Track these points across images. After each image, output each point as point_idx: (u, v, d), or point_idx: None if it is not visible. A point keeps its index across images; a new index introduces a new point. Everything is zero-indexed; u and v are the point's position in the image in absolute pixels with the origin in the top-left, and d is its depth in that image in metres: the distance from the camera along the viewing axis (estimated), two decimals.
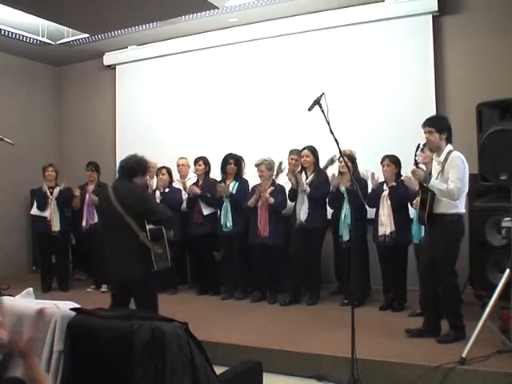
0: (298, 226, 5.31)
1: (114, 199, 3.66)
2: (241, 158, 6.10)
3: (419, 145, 3.91)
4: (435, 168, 3.90)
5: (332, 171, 5.39)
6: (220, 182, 5.86)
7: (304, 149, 5.42)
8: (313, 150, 5.40)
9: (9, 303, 2.31)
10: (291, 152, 5.63)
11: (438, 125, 3.88)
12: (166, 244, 3.81)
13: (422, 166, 3.92)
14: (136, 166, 3.82)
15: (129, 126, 7.76)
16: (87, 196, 6.38)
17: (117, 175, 4.11)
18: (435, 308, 4.00)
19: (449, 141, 3.92)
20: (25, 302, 2.36)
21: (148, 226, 3.69)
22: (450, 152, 3.85)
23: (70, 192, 6.41)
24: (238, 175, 5.83)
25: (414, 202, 4.18)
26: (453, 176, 3.73)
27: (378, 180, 5.13)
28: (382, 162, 5.06)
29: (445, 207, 3.83)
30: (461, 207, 3.88)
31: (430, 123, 3.90)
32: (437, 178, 3.81)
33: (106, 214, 3.92)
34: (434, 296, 3.96)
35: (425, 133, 3.91)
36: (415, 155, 3.90)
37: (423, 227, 4.39)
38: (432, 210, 3.85)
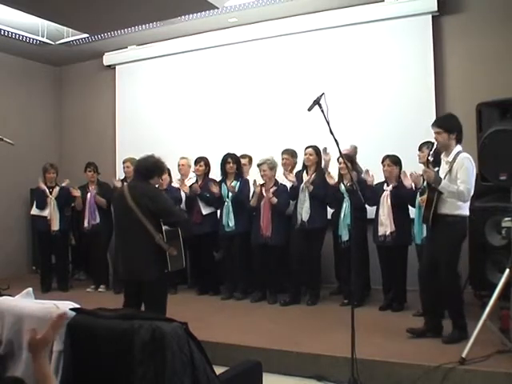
0: (299, 225, 5.31)
1: (129, 199, 3.65)
2: (249, 157, 6.19)
3: (433, 144, 3.87)
4: (443, 168, 3.88)
5: (331, 169, 5.39)
6: (220, 181, 5.86)
7: (308, 147, 5.44)
8: (316, 150, 5.42)
9: (9, 303, 2.31)
10: (283, 152, 5.75)
11: (446, 125, 3.85)
12: (181, 245, 3.80)
13: (440, 173, 3.86)
14: (153, 168, 3.81)
15: (129, 126, 7.75)
16: (89, 196, 6.37)
17: (125, 176, 4.09)
18: (436, 308, 4.00)
19: (459, 141, 3.89)
20: (24, 302, 2.36)
21: (164, 227, 3.69)
22: (458, 153, 3.83)
23: (68, 192, 6.40)
24: (239, 175, 5.83)
25: (420, 199, 4.17)
26: (462, 177, 3.73)
27: (372, 176, 5.11)
28: (382, 162, 5.06)
29: (449, 208, 3.82)
30: (465, 209, 3.87)
31: (438, 123, 3.88)
32: (444, 178, 3.79)
33: (120, 214, 3.90)
34: (434, 296, 3.96)
35: (434, 133, 3.89)
36: (428, 155, 3.88)
37: (425, 227, 4.39)
38: (436, 210, 3.84)
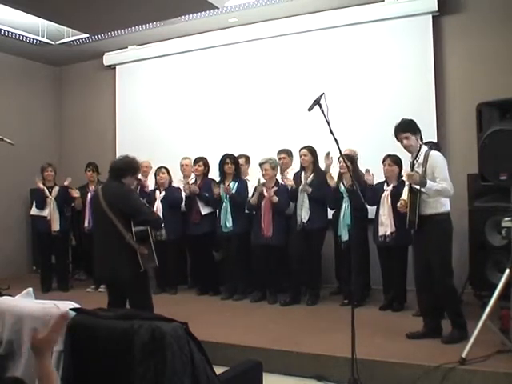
0: (299, 226, 5.31)
1: (101, 199, 3.71)
2: (247, 157, 6.15)
3: (415, 160, 3.89)
4: (414, 170, 3.89)
5: (331, 171, 5.37)
6: (218, 182, 5.86)
7: (303, 148, 5.45)
8: (311, 150, 5.42)
9: (9, 303, 2.31)
10: (279, 152, 5.78)
11: (411, 128, 3.89)
12: (151, 245, 3.83)
13: (416, 168, 3.90)
14: (124, 167, 3.83)
15: (129, 126, 7.76)
16: (89, 196, 6.37)
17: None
18: (434, 309, 4.00)
19: (422, 140, 3.97)
20: (25, 302, 2.36)
21: (134, 228, 3.71)
22: (427, 152, 3.89)
23: (67, 191, 6.41)
24: (237, 175, 5.83)
25: (399, 204, 4.17)
26: (441, 175, 3.80)
27: (372, 176, 5.10)
28: (383, 162, 5.06)
29: (435, 207, 3.85)
30: (447, 205, 3.92)
31: (403, 129, 3.90)
32: None
33: (95, 214, 4.00)
34: (432, 298, 3.96)
35: (401, 140, 3.91)
36: (413, 161, 3.90)
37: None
38: (421, 213, 3.85)
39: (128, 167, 3.85)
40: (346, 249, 5.05)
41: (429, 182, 3.77)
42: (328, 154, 5.19)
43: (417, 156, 3.90)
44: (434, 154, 3.90)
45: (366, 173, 5.11)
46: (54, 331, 1.64)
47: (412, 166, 3.90)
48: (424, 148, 3.94)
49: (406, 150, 3.98)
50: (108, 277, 3.80)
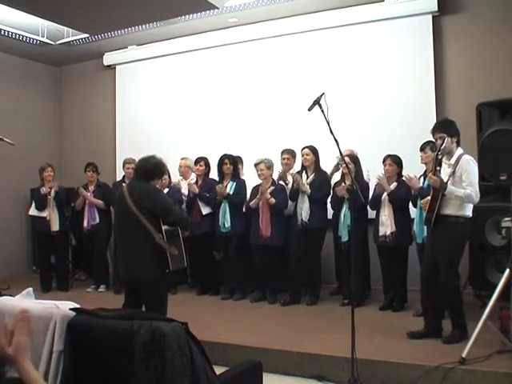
0: (299, 226, 5.31)
1: (128, 200, 3.63)
2: (239, 158, 6.13)
3: (440, 149, 3.81)
4: (445, 171, 3.87)
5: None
6: (217, 182, 5.85)
7: (305, 148, 5.44)
8: (313, 149, 5.41)
9: (8, 303, 2.31)
10: (283, 152, 5.70)
11: (448, 130, 3.84)
12: (182, 245, 3.79)
13: (442, 176, 3.83)
14: (153, 169, 3.79)
15: (129, 126, 7.76)
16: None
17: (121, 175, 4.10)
18: (436, 309, 4.00)
19: (459, 144, 3.90)
20: (25, 302, 2.36)
21: (164, 227, 3.66)
22: (461, 155, 3.83)
23: (67, 192, 6.40)
24: (235, 175, 5.83)
25: (422, 202, 4.17)
26: (468, 180, 3.73)
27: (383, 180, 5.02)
28: (383, 162, 5.04)
29: (452, 208, 3.81)
30: (468, 210, 3.86)
31: (440, 129, 3.86)
32: (447, 181, 3.78)
33: (120, 215, 3.87)
34: (434, 297, 3.96)
35: (436, 139, 3.87)
36: (437, 155, 3.83)
37: (426, 227, 4.38)
38: (439, 211, 3.83)
39: (156, 169, 3.80)
40: (346, 249, 5.05)
41: (450, 187, 3.73)
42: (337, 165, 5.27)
43: (438, 152, 3.82)
44: (466, 158, 3.83)
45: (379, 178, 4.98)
46: (19, 336, 1.56)
47: (436, 157, 3.82)
48: (459, 151, 3.87)
49: (441, 150, 3.84)
50: (136, 278, 3.66)
